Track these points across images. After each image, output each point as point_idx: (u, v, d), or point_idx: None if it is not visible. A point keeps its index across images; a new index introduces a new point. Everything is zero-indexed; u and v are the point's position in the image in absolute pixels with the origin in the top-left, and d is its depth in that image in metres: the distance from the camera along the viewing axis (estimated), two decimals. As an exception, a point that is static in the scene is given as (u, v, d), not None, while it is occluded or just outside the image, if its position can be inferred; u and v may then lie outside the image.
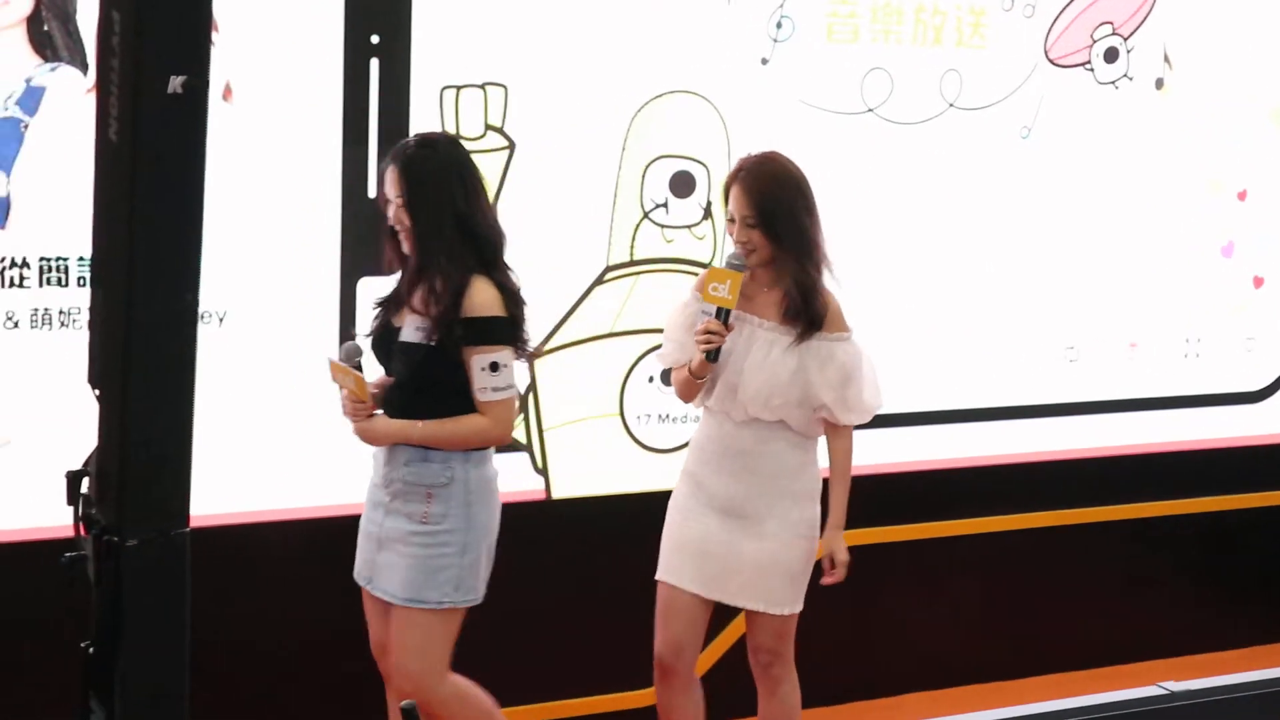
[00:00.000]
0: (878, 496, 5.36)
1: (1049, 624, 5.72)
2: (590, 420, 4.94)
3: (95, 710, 1.83)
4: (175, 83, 1.65)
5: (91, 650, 1.85)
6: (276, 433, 4.52)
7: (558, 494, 4.89)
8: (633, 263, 4.93)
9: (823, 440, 4.30)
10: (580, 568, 4.98)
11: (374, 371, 4.08)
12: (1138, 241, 5.70)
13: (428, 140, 4.00)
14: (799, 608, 4.28)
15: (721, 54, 4.95)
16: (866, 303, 5.23)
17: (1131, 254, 5.70)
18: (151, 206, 1.67)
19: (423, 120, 4.56)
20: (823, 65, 5.11)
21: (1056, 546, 5.68)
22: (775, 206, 4.07)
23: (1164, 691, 3.34)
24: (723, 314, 4.07)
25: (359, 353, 4.00)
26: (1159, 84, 5.65)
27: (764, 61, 5.01)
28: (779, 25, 5.02)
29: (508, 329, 3.91)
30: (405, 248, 3.94)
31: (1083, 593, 5.77)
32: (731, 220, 4.12)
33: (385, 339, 3.99)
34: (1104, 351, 5.70)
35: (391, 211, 3.93)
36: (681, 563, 4.24)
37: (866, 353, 4.24)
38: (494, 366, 3.89)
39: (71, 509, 1.94)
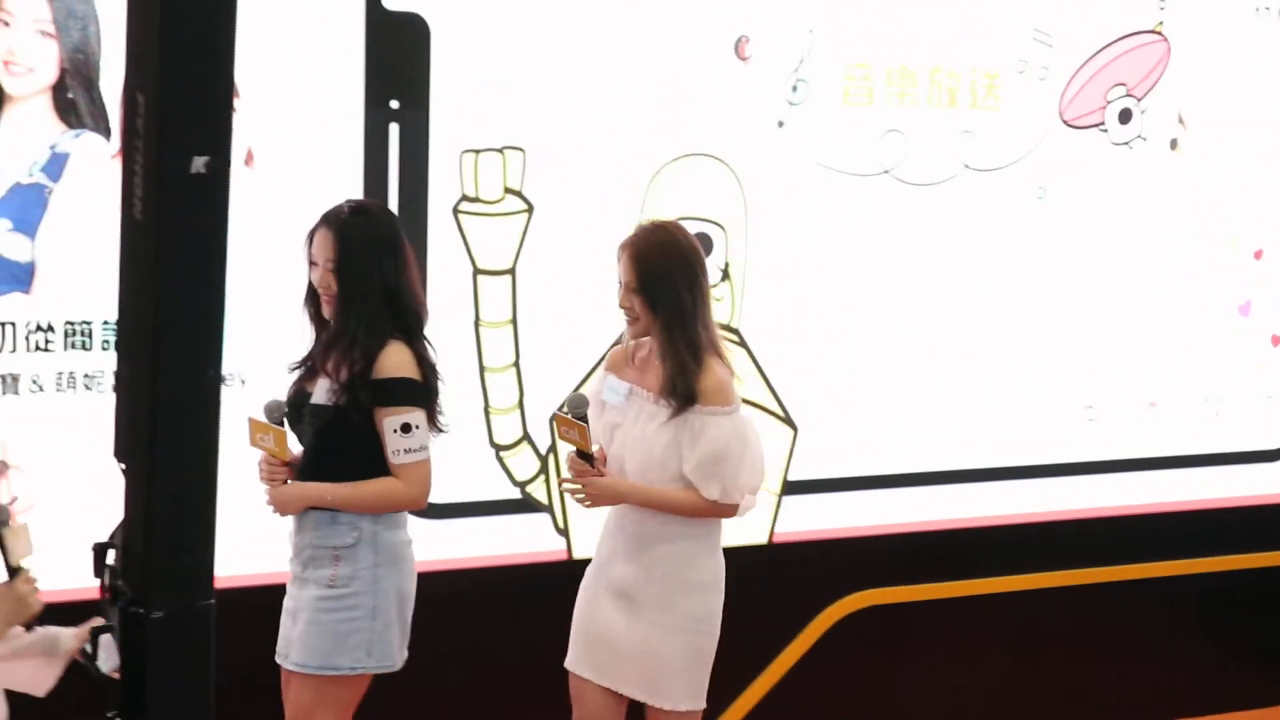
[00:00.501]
0: (898, 555, 5.39)
1: (1068, 682, 5.70)
2: (610, 481, 4.95)
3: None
4: (198, 163, 1.69)
5: None
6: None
7: (579, 554, 4.90)
8: (651, 324, 4.95)
9: (729, 523, 4.10)
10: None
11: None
12: (1155, 301, 5.72)
13: (362, 207, 3.99)
14: (691, 706, 4.08)
15: (738, 117, 5.00)
16: (884, 363, 5.27)
17: (1149, 313, 5.72)
18: (175, 284, 1.70)
19: (442, 183, 4.61)
20: (838, 127, 5.15)
21: (1077, 605, 5.66)
22: (656, 276, 3.98)
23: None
24: (584, 456, 4.01)
25: (282, 410, 3.92)
26: (1173, 144, 5.68)
27: (780, 124, 5.06)
28: (795, 88, 5.06)
29: (420, 391, 3.86)
30: (325, 312, 3.91)
31: (1103, 652, 5.75)
32: (620, 286, 4.05)
33: (298, 403, 3.94)
34: (1123, 410, 5.70)
35: (317, 275, 3.90)
36: (580, 649, 4.13)
37: (753, 428, 4.07)
38: (405, 428, 3.82)
39: (98, 581, 1.97)
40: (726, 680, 5.01)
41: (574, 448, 4.01)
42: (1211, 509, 5.89)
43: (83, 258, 4.22)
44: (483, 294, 4.72)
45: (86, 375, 4.28)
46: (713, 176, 4.97)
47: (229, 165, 1.69)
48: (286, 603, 3.96)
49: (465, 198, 4.66)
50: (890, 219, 5.27)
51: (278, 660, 3.97)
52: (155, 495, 1.72)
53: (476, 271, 4.71)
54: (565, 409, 4.05)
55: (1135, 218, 5.66)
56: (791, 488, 5.18)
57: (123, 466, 1.75)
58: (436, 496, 4.40)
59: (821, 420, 5.19)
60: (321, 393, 3.87)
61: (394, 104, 4.56)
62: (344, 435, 3.85)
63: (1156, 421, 5.79)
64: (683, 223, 4.94)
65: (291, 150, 4.42)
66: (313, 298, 3.96)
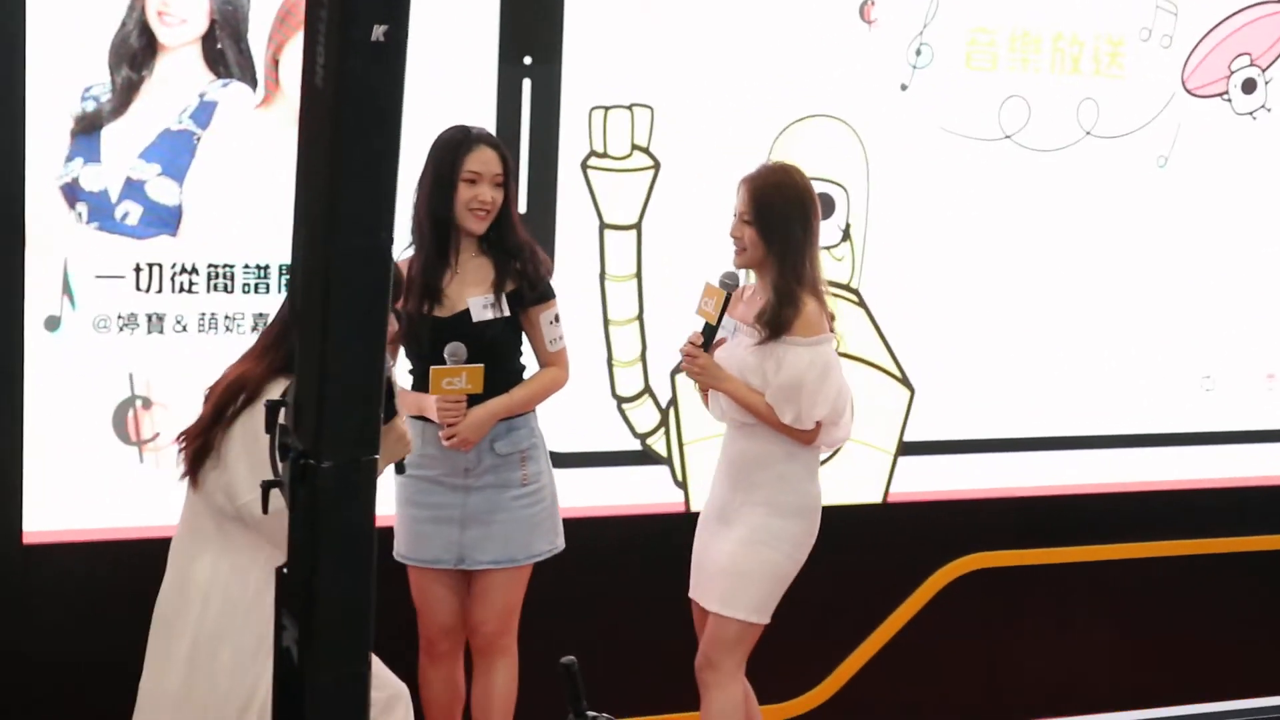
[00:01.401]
0: (1011, 519, 5.42)
1: (1176, 653, 5.71)
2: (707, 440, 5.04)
3: (288, 626, 1.96)
4: (378, 31, 1.80)
5: (285, 571, 1.98)
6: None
7: (696, 506, 4.99)
8: (771, 282, 5.03)
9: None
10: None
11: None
12: (1276, 273, 5.71)
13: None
14: (747, 618, 4.24)
15: (862, 79, 5.07)
16: (1003, 328, 5.32)
17: (1269, 285, 5.71)
18: (354, 146, 1.81)
19: (572, 139, 4.72)
20: (961, 92, 5.20)
21: (1188, 575, 5.66)
22: (772, 210, 4.19)
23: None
24: (708, 329, 4.25)
25: (463, 350, 4.12)
26: (1298, 115, 5.68)
27: (904, 87, 5.12)
28: (918, 52, 5.13)
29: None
30: (481, 229, 4.18)
31: (1212, 624, 5.74)
32: (735, 217, 4.27)
33: (448, 328, 4.15)
34: (1241, 381, 5.70)
35: (488, 193, 4.16)
36: (692, 573, 4.41)
37: (836, 364, 4.23)
38: (555, 318, 4.28)
39: (267, 438, 2.09)
40: (837, 638, 5.10)
41: (703, 320, 4.25)
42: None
43: (228, 203, 4.38)
44: (609, 248, 4.83)
45: (228, 316, 4.44)
46: (836, 137, 5.04)
47: (407, 35, 1.80)
48: (439, 513, 4.22)
49: (594, 153, 4.77)
50: (1011, 184, 5.31)
51: (433, 566, 4.26)
52: (327, 352, 1.82)
53: (603, 226, 4.82)
54: (719, 279, 4.25)
55: (1258, 188, 5.65)
56: (907, 448, 5.24)
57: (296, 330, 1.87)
58: (558, 445, 4.55)
59: (939, 382, 5.25)
60: (479, 309, 4.17)
61: (527, 60, 4.68)
62: (509, 343, 4.26)
63: (1274, 394, 5.79)
64: (806, 183, 5.05)
65: (427, 103, 4.55)
66: (437, 227, 4.17)
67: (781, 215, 4.18)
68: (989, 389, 5.36)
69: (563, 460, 4.65)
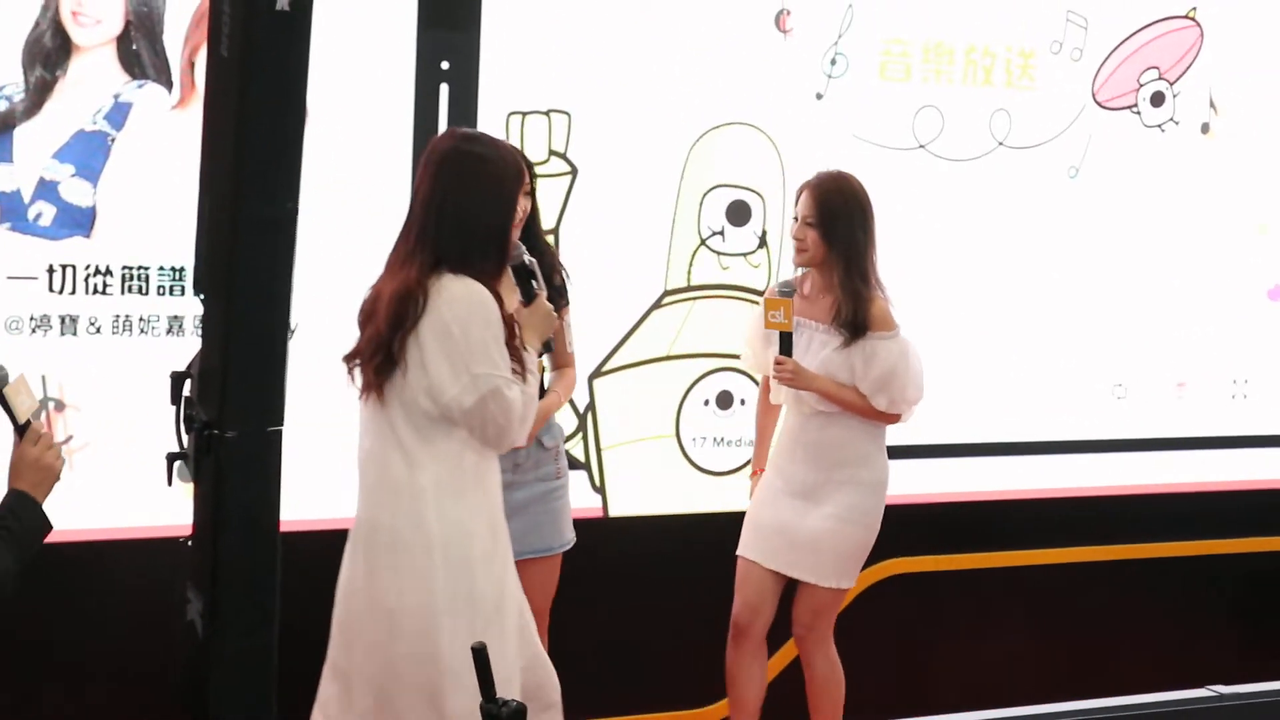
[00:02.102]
0: (927, 525, 5.47)
1: (1088, 656, 5.77)
2: (647, 441, 5.07)
3: (193, 600, 1.96)
4: (283, 1, 1.82)
5: (190, 543, 1.98)
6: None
7: (614, 512, 5.01)
8: (690, 288, 5.08)
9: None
10: (635, 585, 5.07)
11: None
12: (1184, 282, 5.80)
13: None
14: (842, 585, 4.69)
15: (778, 88, 5.12)
16: (915, 335, 5.34)
17: (1178, 295, 5.79)
18: (259, 116, 1.82)
19: (489, 144, 4.73)
20: (876, 101, 5.27)
21: (1101, 580, 5.73)
22: (834, 214, 4.52)
23: (1213, 693, 3.39)
24: (784, 338, 4.52)
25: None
26: (1205, 128, 5.78)
27: (819, 96, 5.18)
28: (833, 62, 5.19)
29: None
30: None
31: (1123, 627, 5.80)
32: (796, 220, 4.57)
33: None
34: (1152, 390, 5.78)
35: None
36: (755, 540, 4.69)
37: (913, 348, 4.63)
38: (569, 322, 4.43)
39: (174, 409, 2.09)
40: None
41: (778, 331, 4.54)
42: (1236, 491, 5.95)
43: (142, 204, 4.37)
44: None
45: (142, 319, 4.42)
46: (752, 146, 5.09)
47: (311, 5, 1.82)
48: None
49: (511, 158, 4.79)
50: (925, 193, 5.38)
51: None
52: (232, 323, 1.83)
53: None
54: (775, 288, 4.64)
55: (1166, 199, 5.75)
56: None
57: (201, 297, 1.86)
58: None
59: (854, 390, 5.28)
60: None
61: (444, 65, 4.69)
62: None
63: (1185, 402, 5.87)
64: (721, 190, 5.11)
65: (346, 108, 4.55)
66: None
67: (845, 219, 4.54)
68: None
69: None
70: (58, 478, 3.07)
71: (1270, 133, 5.89)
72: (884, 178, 5.29)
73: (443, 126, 4.68)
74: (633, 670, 5.12)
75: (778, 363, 4.55)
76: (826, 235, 4.51)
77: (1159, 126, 5.72)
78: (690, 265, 5.09)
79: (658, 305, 5.06)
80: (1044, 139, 5.53)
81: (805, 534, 4.62)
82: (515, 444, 3.70)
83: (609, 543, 5.00)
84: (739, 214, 5.12)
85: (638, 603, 5.10)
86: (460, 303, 3.54)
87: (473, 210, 3.62)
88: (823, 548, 4.63)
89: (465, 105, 4.72)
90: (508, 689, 3.35)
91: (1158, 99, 5.70)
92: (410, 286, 3.56)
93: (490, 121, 4.74)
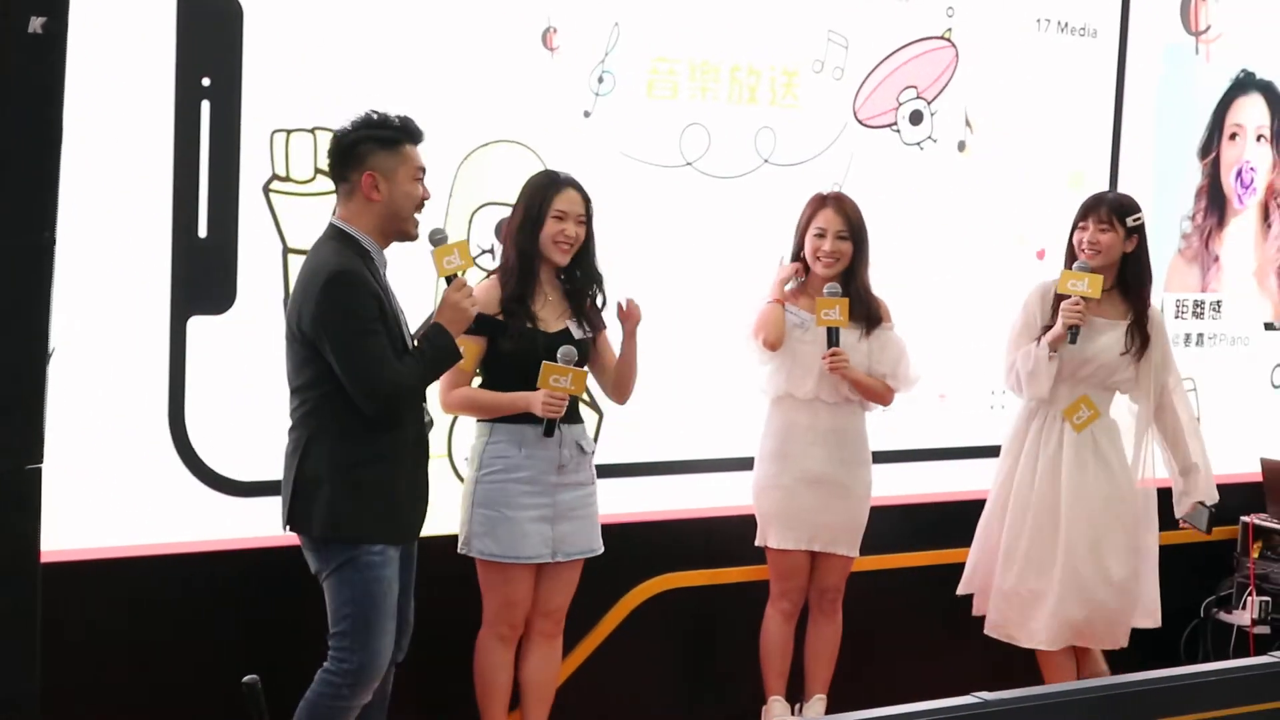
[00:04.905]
0: (703, 540, 5.51)
1: (853, 664, 5.86)
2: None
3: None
4: (35, 23, 1.75)
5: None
6: (105, 469, 4.55)
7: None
8: (460, 307, 5.03)
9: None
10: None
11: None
12: (945, 296, 5.95)
13: None
14: (856, 553, 5.39)
15: (545, 106, 5.12)
16: (685, 351, 5.41)
17: (939, 308, 5.94)
18: (11, 141, 1.75)
19: (254, 162, 4.65)
20: (643, 119, 5.30)
21: (872, 588, 5.81)
22: (858, 228, 5.22)
23: (979, 700, 3.48)
24: (834, 333, 5.15)
25: (575, 353, 4.69)
26: (961, 146, 5.94)
27: (586, 114, 5.20)
28: (601, 80, 5.21)
29: None
30: (565, 260, 4.75)
31: (896, 632, 5.91)
32: (819, 235, 5.18)
33: (559, 343, 4.70)
34: (914, 402, 5.88)
35: (571, 230, 4.73)
36: (788, 529, 5.28)
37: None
38: None
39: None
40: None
41: (832, 326, 5.15)
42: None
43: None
44: (293, 272, 4.75)
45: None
46: (520, 163, 5.07)
47: (66, 28, 1.75)
48: (533, 512, 4.70)
49: (276, 177, 4.71)
50: (692, 210, 5.43)
51: (532, 561, 4.73)
52: (-12, 356, 1.76)
53: (286, 250, 4.75)
54: (826, 292, 5.17)
55: (926, 216, 5.90)
56: (599, 471, 5.26)
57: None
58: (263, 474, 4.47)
59: (624, 407, 5.27)
60: (576, 329, 4.78)
61: (205, 82, 4.59)
62: (587, 358, 4.84)
63: (947, 413, 6.02)
64: (489, 208, 5.10)
65: (104, 126, 4.42)
66: (522, 258, 4.71)
67: (865, 230, 5.24)
68: (671, 413, 5.45)
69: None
70: (470, 320, 4.32)
71: (1022, 150, 6.08)
72: (652, 195, 5.35)
73: (204, 144, 4.59)
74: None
75: (833, 354, 5.13)
76: (856, 246, 5.21)
77: (918, 144, 5.86)
78: (460, 284, 5.05)
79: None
80: (808, 156, 5.63)
81: (842, 513, 5.29)
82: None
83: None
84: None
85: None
86: None
87: None
88: (855, 523, 5.33)
89: (227, 122, 4.62)
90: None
91: (916, 117, 5.84)
92: None
93: (254, 139, 4.65)
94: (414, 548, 4.51)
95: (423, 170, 4.33)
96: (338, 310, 4.13)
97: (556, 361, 4.62)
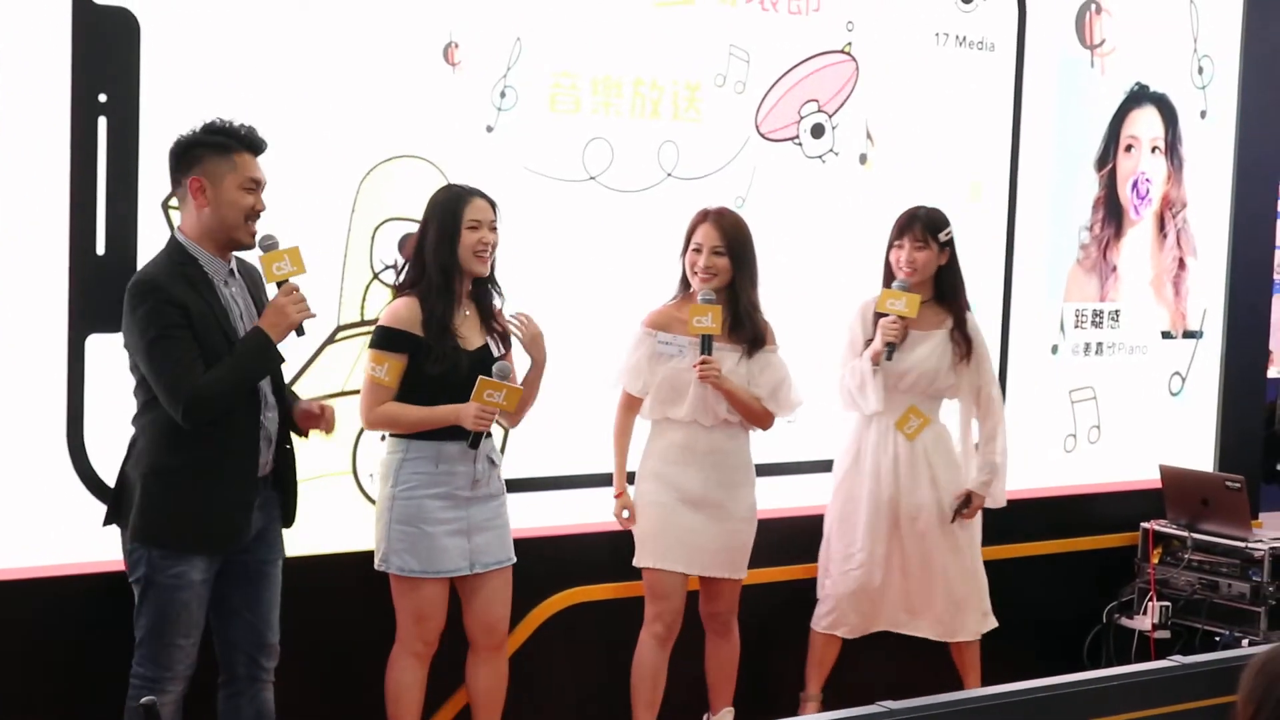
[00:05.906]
0: (609, 554, 5.51)
1: (751, 676, 5.88)
2: (325, 478, 4.99)
3: None
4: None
5: None
6: (2, 489, 4.49)
7: (291, 552, 4.90)
8: (364, 322, 5.02)
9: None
10: (310, 625, 4.94)
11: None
12: (849, 309, 5.97)
13: None
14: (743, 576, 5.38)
15: (448, 121, 5.11)
16: (589, 365, 5.40)
17: (842, 321, 5.95)
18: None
19: (152, 177, 4.60)
20: (546, 134, 5.31)
21: (761, 601, 5.83)
22: (740, 244, 5.18)
23: (884, 709, 3.50)
24: (707, 341, 5.08)
25: (510, 370, 4.78)
26: (863, 159, 5.99)
27: (489, 129, 5.19)
28: (503, 94, 5.20)
29: None
30: (483, 271, 4.76)
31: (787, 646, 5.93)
32: (697, 250, 5.18)
33: (487, 360, 4.76)
34: (813, 414, 5.89)
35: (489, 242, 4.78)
36: (665, 549, 5.24)
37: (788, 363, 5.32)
38: None
39: None
40: (442, 676, 5.07)
41: (706, 334, 5.09)
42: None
43: None
44: (193, 289, 4.72)
45: None
46: (423, 178, 5.05)
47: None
48: (449, 526, 4.73)
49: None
50: (596, 224, 5.44)
51: (449, 575, 4.78)
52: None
53: (187, 267, 4.70)
54: (699, 298, 5.14)
55: (829, 228, 5.94)
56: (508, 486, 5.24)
57: None
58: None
59: (532, 421, 5.25)
60: (493, 346, 4.83)
61: (102, 97, 4.54)
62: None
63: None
64: (392, 223, 5.09)
65: (-3, 141, 4.38)
66: (444, 273, 4.71)
67: (747, 247, 5.21)
68: (574, 426, 5.44)
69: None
70: (292, 325, 4.28)
71: (922, 163, 6.14)
72: (555, 209, 5.35)
73: (102, 162, 4.54)
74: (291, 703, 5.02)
75: (704, 362, 5.07)
76: (734, 261, 5.15)
77: (820, 157, 5.91)
78: (364, 299, 5.04)
79: (331, 340, 5.00)
80: (711, 170, 5.66)
81: (719, 539, 5.25)
82: None
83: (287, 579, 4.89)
84: (407, 247, 5.07)
85: (310, 641, 4.98)
86: None
87: None
88: (738, 545, 5.30)
89: (125, 139, 4.58)
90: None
91: (818, 131, 5.89)
92: None
93: (153, 155, 4.60)
94: (277, 565, 4.51)
95: (256, 181, 4.32)
96: (134, 319, 4.21)
97: (492, 377, 4.66)
